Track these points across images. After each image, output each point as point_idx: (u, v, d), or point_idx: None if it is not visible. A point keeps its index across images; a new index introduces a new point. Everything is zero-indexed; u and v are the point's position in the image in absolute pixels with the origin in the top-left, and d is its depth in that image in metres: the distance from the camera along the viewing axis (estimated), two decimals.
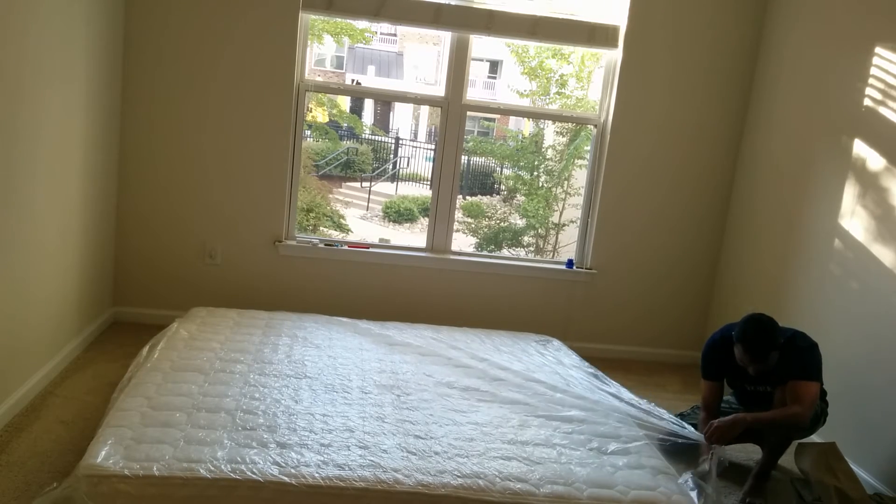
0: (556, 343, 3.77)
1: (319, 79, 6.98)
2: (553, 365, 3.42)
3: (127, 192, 4.14)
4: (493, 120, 9.05)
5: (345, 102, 7.98)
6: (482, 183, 8.27)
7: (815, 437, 3.13)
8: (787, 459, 3.03)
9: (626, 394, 3.13)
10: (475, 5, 4.21)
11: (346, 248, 4.42)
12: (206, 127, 4.12)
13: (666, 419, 2.92)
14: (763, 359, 2.78)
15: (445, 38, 4.48)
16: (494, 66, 10.51)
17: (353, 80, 10.27)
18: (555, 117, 5.99)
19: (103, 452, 2.16)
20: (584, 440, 2.67)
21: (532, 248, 6.21)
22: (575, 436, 2.70)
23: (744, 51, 4.34)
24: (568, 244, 5.50)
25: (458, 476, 2.29)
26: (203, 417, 2.47)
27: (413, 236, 7.78)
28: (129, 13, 3.93)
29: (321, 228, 6.39)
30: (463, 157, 4.62)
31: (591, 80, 5.61)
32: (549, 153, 6.33)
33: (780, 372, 2.86)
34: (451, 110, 4.35)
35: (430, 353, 3.39)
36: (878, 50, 3.36)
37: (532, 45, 5.68)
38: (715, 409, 3.08)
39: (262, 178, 4.22)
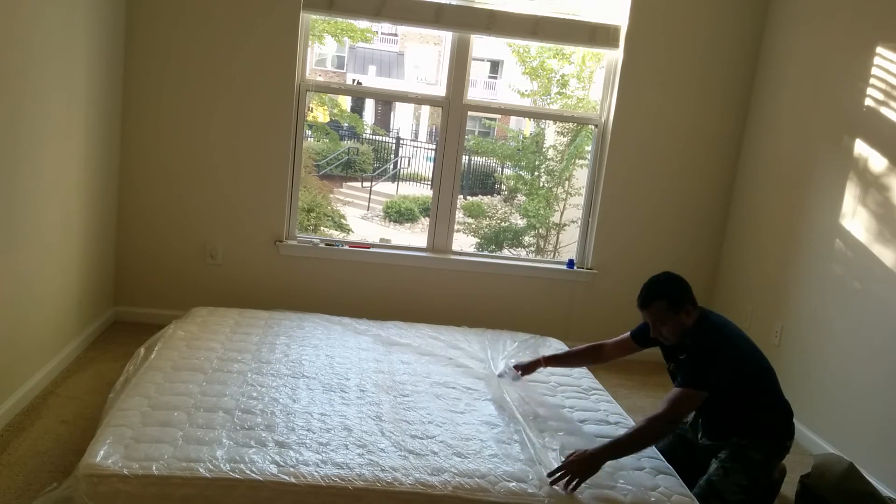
0: (556, 343, 3.76)
1: (320, 79, 6.98)
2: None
3: (128, 191, 4.15)
4: (494, 119, 9.05)
5: (346, 102, 7.98)
6: (483, 183, 8.26)
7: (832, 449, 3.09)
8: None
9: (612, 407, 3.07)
10: (476, 5, 4.20)
11: (346, 247, 4.42)
12: (207, 127, 4.13)
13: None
14: (647, 304, 2.63)
15: (446, 37, 4.48)
16: (495, 66, 10.51)
17: (353, 80, 10.28)
18: (556, 117, 5.99)
19: (102, 452, 2.16)
20: (583, 440, 2.67)
21: (533, 248, 6.20)
22: (574, 436, 2.70)
23: (745, 51, 4.34)
24: (569, 244, 5.50)
25: (457, 475, 2.29)
26: (202, 417, 2.47)
27: (414, 236, 7.78)
28: (130, 12, 3.94)
29: (322, 228, 6.39)
30: (464, 156, 4.61)
31: (593, 80, 5.60)
32: (550, 153, 6.32)
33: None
34: (452, 110, 4.35)
35: (429, 352, 3.38)
36: (879, 50, 3.36)
37: (533, 45, 5.68)
38: (605, 351, 3.01)
39: (263, 178, 4.22)
